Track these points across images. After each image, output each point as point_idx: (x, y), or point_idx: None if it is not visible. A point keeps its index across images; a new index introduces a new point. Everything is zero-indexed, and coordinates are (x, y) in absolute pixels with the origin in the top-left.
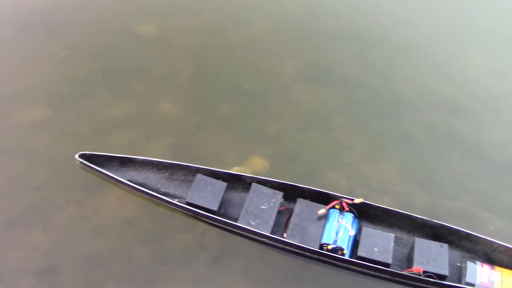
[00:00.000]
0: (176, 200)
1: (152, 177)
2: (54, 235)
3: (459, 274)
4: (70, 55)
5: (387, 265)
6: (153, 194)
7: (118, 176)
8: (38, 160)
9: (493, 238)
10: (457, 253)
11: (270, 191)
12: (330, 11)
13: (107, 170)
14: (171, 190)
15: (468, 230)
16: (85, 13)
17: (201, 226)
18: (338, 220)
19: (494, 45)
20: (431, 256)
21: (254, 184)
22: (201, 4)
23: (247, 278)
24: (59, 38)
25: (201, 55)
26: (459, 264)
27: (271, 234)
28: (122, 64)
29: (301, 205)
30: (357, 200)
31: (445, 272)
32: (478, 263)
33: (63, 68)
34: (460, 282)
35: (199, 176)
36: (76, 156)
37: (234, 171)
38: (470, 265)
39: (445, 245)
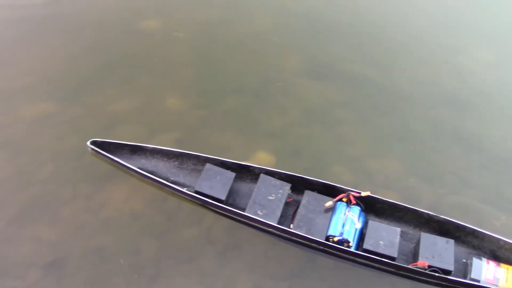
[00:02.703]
0: (185, 188)
1: (162, 166)
2: (61, 228)
3: (464, 270)
4: (74, 50)
5: (392, 258)
6: (162, 182)
7: (128, 163)
8: (44, 155)
9: (499, 235)
10: (463, 249)
11: (278, 182)
12: (334, 6)
13: (118, 157)
14: (180, 179)
15: (475, 227)
16: (90, 8)
17: (208, 220)
18: (345, 213)
19: (498, 40)
20: (436, 251)
21: (262, 175)
22: (203, 0)
23: (253, 272)
24: (63, 34)
25: (206, 49)
26: (464, 260)
27: (277, 224)
28: (126, 59)
29: (308, 197)
30: (364, 193)
31: (450, 267)
32: (484, 260)
33: (67, 63)
34: (465, 278)
35: (208, 165)
36: (88, 142)
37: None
38: (475, 261)
39: (451, 241)
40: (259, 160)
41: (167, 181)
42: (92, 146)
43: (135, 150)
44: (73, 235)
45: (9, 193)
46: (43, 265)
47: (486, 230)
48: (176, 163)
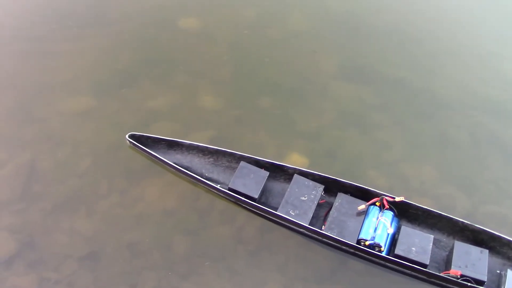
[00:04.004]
0: (219, 185)
1: (197, 162)
2: (97, 222)
3: (498, 281)
4: (114, 46)
5: (424, 265)
6: (197, 178)
7: (164, 158)
8: (83, 148)
9: None
10: (497, 260)
11: (311, 183)
12: (373, 8)
13: (154, 151)
14: (214, 176)
15: (511, 238)
16: (129, 5)
17: (240, 219)
18: (378, 217)
19: None
20: (470, 261)
21: (296, 176)
22: None
23: (283, 274)
24: (103, 29)
25: (242, 49)
26: (498, 272)
27: (309, 225)
28: (164, 56)
29: (341, 200)
30: (398, 198)
31: (484, 277)
32: None
33: (108, 58)
34: None
35: (242, 163)
36: (127, 136)
37: None
38: (510, 273)
39: (486, 251)
40: (293, 161)
41: (201, 177)
42: (131, 140)
43: (172, 145)
44: (108, 229)
45: (48, 185)
46: (78, 257)
47: None
48: (211, 159)
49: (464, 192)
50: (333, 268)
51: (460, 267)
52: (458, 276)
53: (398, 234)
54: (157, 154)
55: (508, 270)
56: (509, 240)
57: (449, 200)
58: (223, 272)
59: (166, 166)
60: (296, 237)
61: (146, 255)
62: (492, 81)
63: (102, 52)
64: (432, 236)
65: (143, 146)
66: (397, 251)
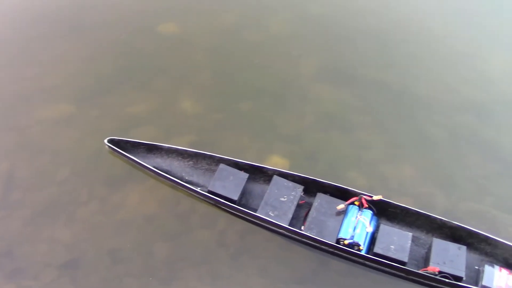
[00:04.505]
0: (199, 188)
1: (176, 165)
2: (77, 229)
3: (476, 277)
4: (92, 52)
5: (403, 263)
6: (177, 181)
7: (144, 162)
8: (62, 156)
9: None
10: (475, 256)
11: (290, 184)
12: (352, 11)
13: (134, 155)
14: (194, 178)
15: (488, 234)
16: (108, 12)
17: (221, 223)
18: (357, 216)
19: None
20: (448, 257)
21: (275, 177)
22: (221, 4)
23: (265, 277)
24: (82, 36)
25: (221, 54)
26: (477, 267)
27: (289, 226)
28: (143, 62)
29: (320, 200)
30: (375, 197)
31: (461, 273)
32: (497, 267)
33: (86, 65)
34: (476, 285)
35: (221, 165)
36: (105, 140)
37: None
38: (487, 268)
39: (463, 247)
40: (273, 164)
41: (181, 180)
42: (109, 144)
43: (151, 149)
44: (88, 236)
45: (27, 193)
46: (58, 265)
47: (500, 238)
48: (191, 162)
49: (443, 190)
50: (314, 269)
51: (438, 263)
52: (436, 273)
53: (378, 233)
54: (137, 158)
55: (486, 266)
56: (486, 236)
57: (429, 198)
58: (205, 276)
59: (146, 170)
60: (277, 239)
61: (127, 262)
62: (471, 81)
63: (81, 60)
64: (410, 234)
65: (122, 150)
66: (376, 249)
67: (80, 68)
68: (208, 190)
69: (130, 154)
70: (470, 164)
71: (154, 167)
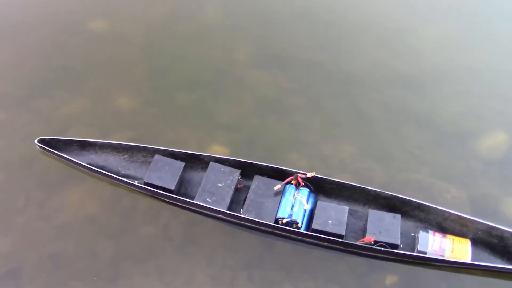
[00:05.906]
0: (137, 181)
1: (112, 160)
2: (15, 238)
3: (412, 243)
4: (19, 55)
5: (340, 236)
6: (113, 176)
7: (78, 159)
8: None
9: (444, 207)
10: (411, 224)
11: (227, 169)
12: None
13: (67, 154)
14: (131, 172)
15: (420, 200)
16: (34, 11)
17: (164, 216)
18: (294, 195)
19: (445, 18)
20: (383, 227)
21: (211, 163)
22: None
23: (212, 265)
24: (4, 38)
25: (155, 47)
26: (412, 234)
27: (228, 210)
28: (74, 61)
29: (257, 182)
30: (309, 174)
31: (397, 241)
32: (431, 232)
33: (13, 69)
34: (413, 251)
35: (157, 156)
36: (36, 141)
37: None
38: (422, 234)
39: (398, 216)
40: (213, 152)
41: (118, 175)
42: (40, 144)
43: (84, 146)
44: (27, 243)
45: None
46: None
47: (432, 203)
48: (126, 156)
49: (382, 164)
50: (260, 253)
51: (374, 233)
52: (372, 242)
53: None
54: (70, 156)
55: (420, 231)
56: (418, 203)
57: (368, 172)
58: (151, 271)
59: (82, 169)
60: (220, 227)
61: (69, 265)
62: (402, 56)
63: (7, 63)
64: (347, 208)
65: (54, 150)
66: (314, 225)
67: (5, 72)
68: (144, 181)
69: (63, 153)
70: (405, 136)
71: (89, 164)
